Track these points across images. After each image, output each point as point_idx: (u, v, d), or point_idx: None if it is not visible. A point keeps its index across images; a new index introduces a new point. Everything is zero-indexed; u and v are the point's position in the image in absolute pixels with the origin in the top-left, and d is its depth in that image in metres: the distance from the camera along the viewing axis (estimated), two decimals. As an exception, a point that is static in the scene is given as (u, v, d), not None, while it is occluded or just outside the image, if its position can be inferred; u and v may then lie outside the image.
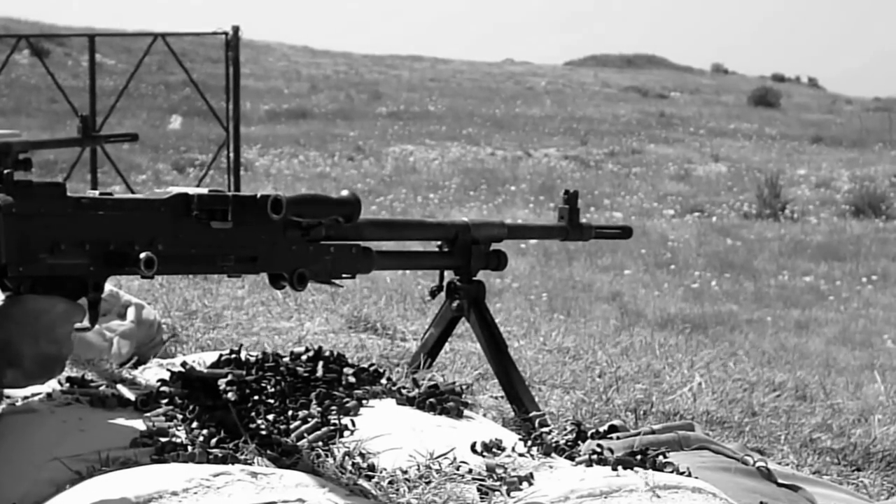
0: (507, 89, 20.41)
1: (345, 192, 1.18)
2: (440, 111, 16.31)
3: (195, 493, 0.99)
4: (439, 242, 1.45)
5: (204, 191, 1.11)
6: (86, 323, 1.06)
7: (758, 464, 1.34)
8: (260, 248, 1.15)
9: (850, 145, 14.24)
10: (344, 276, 1.25)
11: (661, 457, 1.21)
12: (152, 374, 1.39)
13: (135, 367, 1.47)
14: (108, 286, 1.58)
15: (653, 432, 1.39)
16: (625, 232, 1.64)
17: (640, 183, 9.68)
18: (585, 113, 16.84)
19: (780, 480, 1.32)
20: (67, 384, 1.23)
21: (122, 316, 1.59)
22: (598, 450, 1.20)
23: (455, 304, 1.46)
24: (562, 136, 14.08)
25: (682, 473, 1.19)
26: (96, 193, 1.06)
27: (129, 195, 1.12)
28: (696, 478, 1.19)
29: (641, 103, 19.38)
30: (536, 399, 1.48)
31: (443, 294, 1.48)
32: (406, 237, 1.46)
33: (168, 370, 1.30)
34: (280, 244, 1.16)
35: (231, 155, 5.38)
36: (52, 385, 1.21)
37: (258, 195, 1.12)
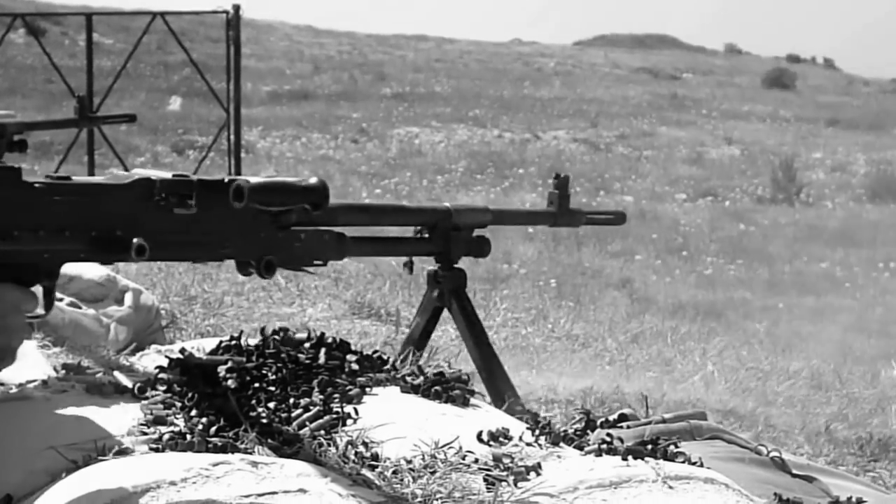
0: (514, 70, 20.16)
1: (313, 179, 1.14)
2: (446, 92, 16.14)
3: (194, 482, 0.97)
4: (418, 228, 1.40)
5: (168, 175, 1.06)
6: (39, 311, 1.03)
7: (772, 454, 1.31)
8: (227, 235, 1.10)
9: (866, 128, 13.97)
10: (315, 262, 1.21)
11: (672, 446, 1.18)
12: (150, 360, 1.36)
13: (132, 353, 1.45)
14: (106, 270, 1.55)
15: (664, 421, 1.37)
16: (617, 217, 1.58)
17: (651, 166, 9.54)
18: (595, 94, 16.62)
19: (794, 471, 1.28)
20: (63, 371, 1.21)
21: (120, 301, 1.56)
22: (608, 439, 1.17)
23: (436, 292, 1.43)
24: (571, 119, 13.91)
25: (693, 464, 1.16)
26: (53, 177, 1.02)
27: (90, 179, 1.08)
28: (709, 468, 1.16)
29: (652, 85, 19.10)
30: (545, 387, 1.45)
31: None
32: (384, 223, 1.42)
33: (166, 357, 1.27)
34: (247, 231, 1.11)
35: (231, 137, 5.33)
36: (47, 372, 1.19)
37: (225, 180, 1.08)
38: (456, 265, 1.42)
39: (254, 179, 1.06)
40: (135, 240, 1.00)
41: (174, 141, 10.88)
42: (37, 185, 0.98)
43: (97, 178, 1.08)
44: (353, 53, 20.70)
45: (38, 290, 1.01)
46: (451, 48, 23.43)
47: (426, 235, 1.40)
